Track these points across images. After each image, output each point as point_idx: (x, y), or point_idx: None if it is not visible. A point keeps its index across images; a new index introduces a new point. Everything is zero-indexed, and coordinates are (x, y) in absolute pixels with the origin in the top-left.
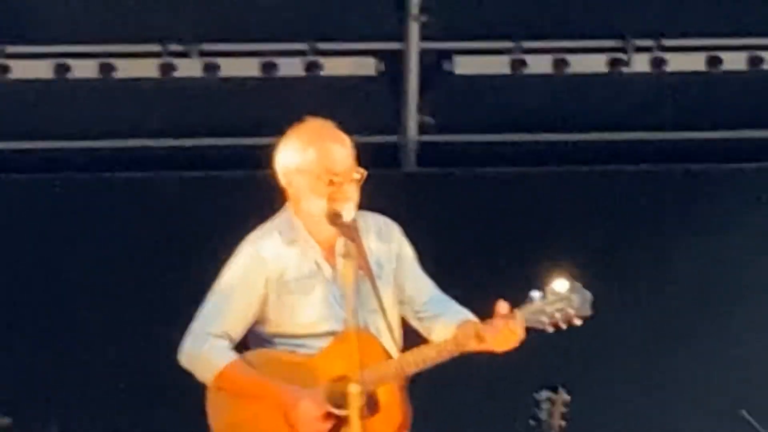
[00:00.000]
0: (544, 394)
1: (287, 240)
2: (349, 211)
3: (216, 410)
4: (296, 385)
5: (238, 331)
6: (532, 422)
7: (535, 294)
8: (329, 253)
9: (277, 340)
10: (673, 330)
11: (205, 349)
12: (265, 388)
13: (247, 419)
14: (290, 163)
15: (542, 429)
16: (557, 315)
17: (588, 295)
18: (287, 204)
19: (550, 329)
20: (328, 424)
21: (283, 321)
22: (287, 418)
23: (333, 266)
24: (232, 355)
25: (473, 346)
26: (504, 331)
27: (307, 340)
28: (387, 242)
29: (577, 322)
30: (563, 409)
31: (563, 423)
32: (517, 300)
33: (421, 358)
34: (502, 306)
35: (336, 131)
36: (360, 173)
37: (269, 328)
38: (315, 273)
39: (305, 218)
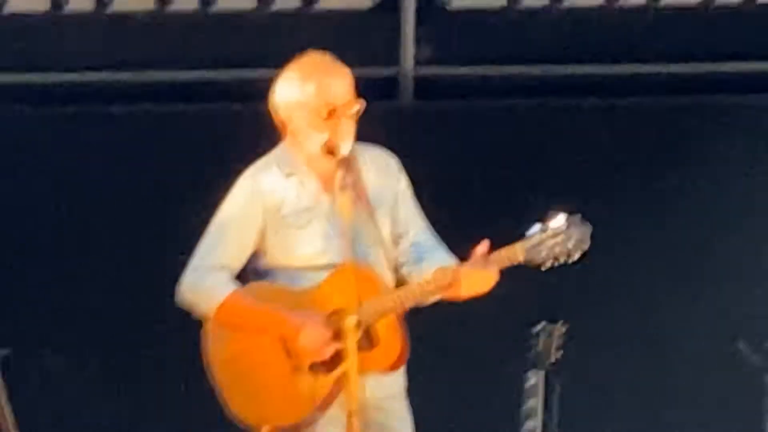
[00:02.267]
0: (542, 325)
1: (285, 173)
2: (347, 145)
3: (212, 346)
4: (300, 313)
5: (237, 263)
6: (529, 354)
7: (535, 228)
8: (328, 186)
9: (275, 273)
10: (673, 265)
11: (206, 281)
12: (268, 315)
13: (244, 352)
14: (289, 96)
15: (538, 359)
16: (557, 249)
17: (588, 228)
18: (286, 138)
19: (549, 264)
20: (331, 349)
21: (281, 254)
22: (289, 342)
23: (331, 199)
24: (233, 286)
25: (448, 291)
26: (476, 275)
27: (305, 273)
28: (385, 176)
29: (576, 256)
30: (560, 341)
31: (559, 354)
32: (515, 234)
33: (417, 292)
34: (482, 247)
35: (336, 65)
36: (359, 107)
37: (268, 261)
38: (313, 206)
39: (304, 152)
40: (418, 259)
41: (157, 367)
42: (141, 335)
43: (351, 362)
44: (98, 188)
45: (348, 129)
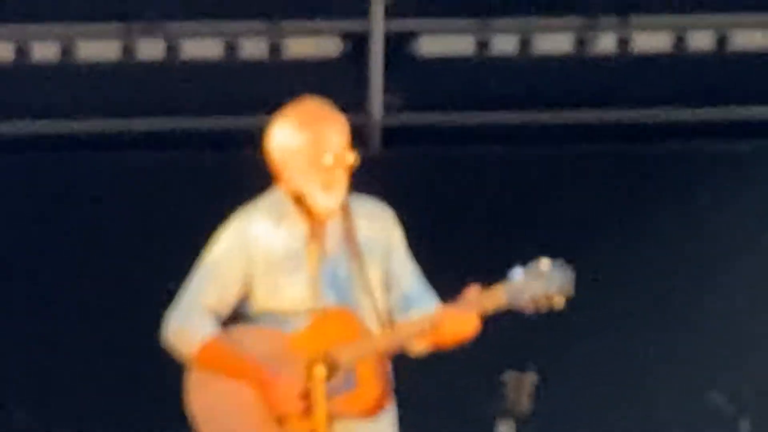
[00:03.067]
0: (511, 374)
1: (276, 218)
2: (338, 196)
3: (194, 392)
4: (278, 360)
5: (222, 306)
6: (499, 403)
7: (517, 271)
8: (317, 233)
9: (261, 317)
10: (654, 309)
11: (189, 323)
12: (245, 363)
13: (224, 399)
14: (284, 143)
15: (510, 411)
16: (539, 293)
17: (570, 273)
18: (277, 183)
19: (531, 309)
20: (306, 402)
21: (268, 298)
22: (265, 395)
23: (321, 246)
24: (214, 330)
25: (431, 335)
26: (458, 319)
27: (291, 318)
28: (378, 227)
29: (560, 302)
30: (531, 389)
31: (530, 403)
32: (489, 281)
33: (397, 336)
34: (469, 292)
35: (332, 113)
36: (353, 157)
37: (254, 305)
38: (302, 252)
39: (295, 198)
40: (407, 307)
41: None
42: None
43: (319, 412)
44: (80, 235)
45: (341, 180)
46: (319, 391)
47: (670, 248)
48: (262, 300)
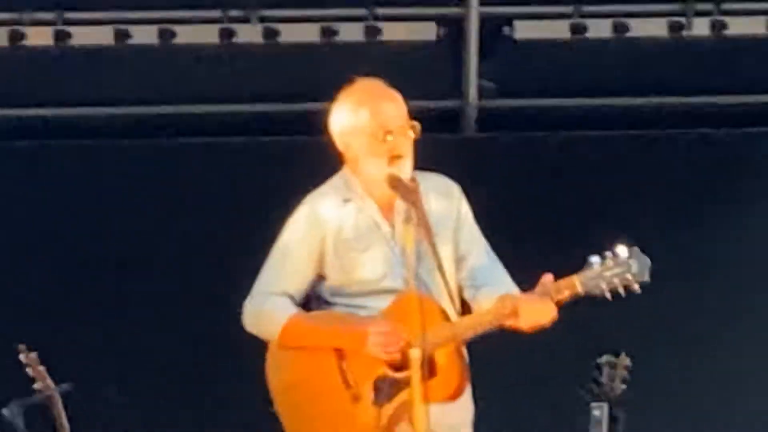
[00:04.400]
0: (606, 357)
1: (344, 198)
2: (405, 168)
3: (274, 370)
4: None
5: (298, 290)
6: (593, 386)
7: (594, 259)
8: (387, 211)
9: (336, 299)
10: (734, 299)
11: (268, 305)
12: (330, 332)
13: (304, 381)
14: (344, 124)
15: (603, 392)
16: (615, 281)
17: (647, 260)
18: (345, 166)
19: (608, 295)
20: (399, 346)
21: (342, 279)
22: (350, 367)
23: (391, 224)
24: (295, 310)
25: (508, 320)
26: (536, 307)
27: (366, 299)
28: (446, 202)
29: (636, 288)
30: (624, 373)
31: (623, 387)
32: (576, 266)
33: (477, 323)
34: (545, 280)
35: (386, 89)
36: (414, 128)
37: (329, 287)
38: (373, 231)
39: (363, 177)
40: (480, 284)
41: (218, 397)
42: (200, 366)
43: (416, 393)
44: (163, 220)
45: (406, 151)
46: (416, 372)
47: (757, 238)
48: (334, 281)
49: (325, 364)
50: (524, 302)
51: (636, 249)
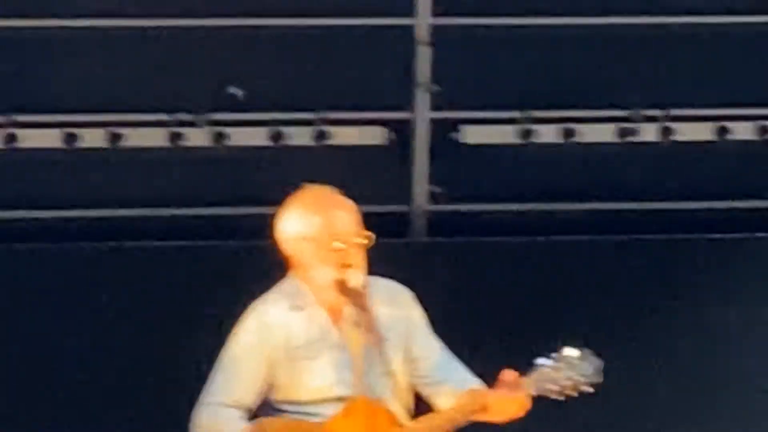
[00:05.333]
0: None
1: (293, 306)
2: (356, 277)
3: None
4: None
5: (248, 399)
6: None
7: (544, 361)
8: (336, 318)
9: (286, 407)
10: (685, 403)
11: (220, 419)
12: None
13: None
14: (294, 231)
15: None
16: (566, 382)
17: (598, 362)
18: (292, 271)
19: (559, 397)
20: None
21: (292, 387)
22: None
23: (341, 331)
24: (245, 424)
25: (477, 414)
26: (509, 400)
27: (317, 407)
28: (396, 307)
29: (587, 389)
30: None
31: None
32: (528, 368)
33: (429, 427)
34: (508, 374)
35: (338, 197)
36: (366, 237)
37: (278, 396)
38: (322, 338)
39: (312, 284)
40: (440, 380)
41: None
42: None
43: None
44: (104, 324)
45: (357, 260)
46: None
47: (708, 338)
48: (285, 389)
49: None
50: (495, 395)
51: (587, 350)
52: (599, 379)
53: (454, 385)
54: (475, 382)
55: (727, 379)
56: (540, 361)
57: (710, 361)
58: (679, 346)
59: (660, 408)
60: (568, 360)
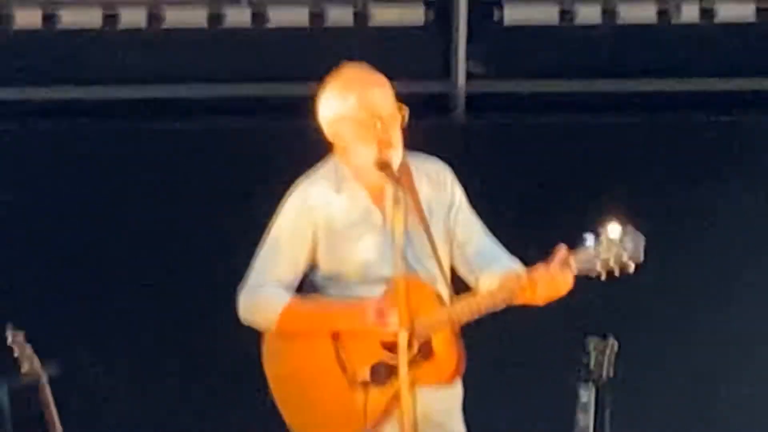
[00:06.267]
0: (593, 340)
1: (335, 187)
2: (396, 154)
3: (270, 360)
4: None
5: (292, 279)
6: (580, 369)
7: (588, 239)
8: (378, 199)
9: (329, 287)
10: (726, 281)
11: (263, 294)
12: (328, 313)
13: (300, 368)
14: (332, 112)
15: (591, 377)
16: (611, 261)
17: (641, 238)
18: (333, 152)
19: (604, 276)
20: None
21: (334, 267)
22: (346, 349)
23: (383, 211)
24: (290, 296)
25: (523, 293)
26: (556, 276)
27: (359, 287)
28: (439, 187)
29: (631, 268)
30: (611, 357)
31: (612, 371)
32: (570, 247)
33: (474, 306)
34: (560, 249)
35: (374, 75)
36: (403, 113)
37: (321, 275)
38: (364, 219)
39: (352, 165)
40: (485, 266)
41: (213, 387)
42: (193, 355)
43: (403, 378)
44: (150, 205)
45: (395, 137)
46: (404, 357)
47: (744, 221)
48: (327, 268)
49: (322, 351)
50: (543, 274)
51: (630, 227)
52: (641, 257)
53: (496, 269)
54: (517, 266)
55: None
56: (584, 238)
57: (741, 240)
58: (716, 225)
59: (702, 286)
60: (611, 238)
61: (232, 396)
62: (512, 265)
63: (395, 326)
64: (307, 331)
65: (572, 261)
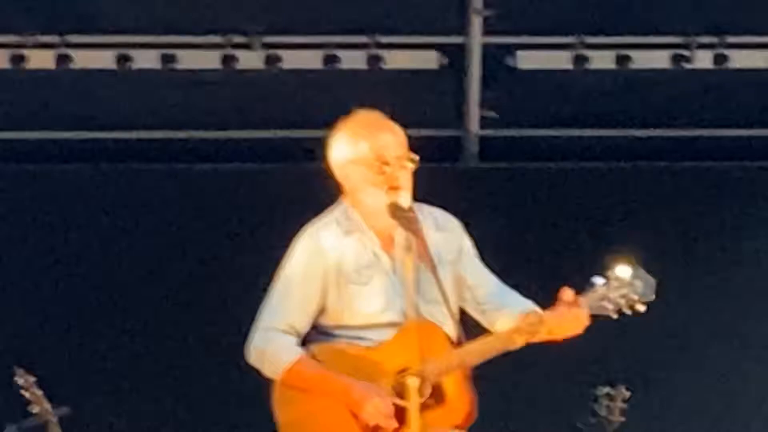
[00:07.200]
0: (604, 389)
1: (345, 230)
2: (404, 199)
3: (282, 405)
4: (360, 378)
5: (302, 324)
6: (591, 418)
7: (598, 280)
8: (387, 244)
9: (337, 331)
10: (736, 324)
11: (272, 345)
12: (333, 383)
13: (313, 414)
14: (343, 155)
15: (601, 425)
16: (621, 301)
17: (651, 280)
18: (343, 196)
19: (614, 315)
20: (394, 422)
21: (343, 312)
22: (355, 412)
23: (391, 256)
24: (299, 351)
25: (537, 334)
26: (568, 317)
27: (367, 332)
28: (446, 233)
29: (641, 308)
30: (622, 406)
31: (622, 419)
32: (581, 292)
33: (485, 348)
34: (567, 292)
35: (385, 120)
36: (413, 160)
37: (329, 320)
38: (373, 263)
39: (362, 209)
40: (501, 306)
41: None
42: (204, 394)
43: (413, 424)
44: (157, 247)
45: (404, 182)
46: (414, 402)
47: (760, 268)
48: (336, 313)
49: (333, 398)
50: (553, 313)
51: (640, 268)
52: (652, 297)
53: (511, 310)
54: (530, 306)
55: None
56: (593, 280)
57: (758, 287)
58: (731, 270)
59: (713, 329)
60: (621, 278)
61: None
62: (525, 303)
63: (392, 424)
64: (308, 391)
65: (582, 301)
